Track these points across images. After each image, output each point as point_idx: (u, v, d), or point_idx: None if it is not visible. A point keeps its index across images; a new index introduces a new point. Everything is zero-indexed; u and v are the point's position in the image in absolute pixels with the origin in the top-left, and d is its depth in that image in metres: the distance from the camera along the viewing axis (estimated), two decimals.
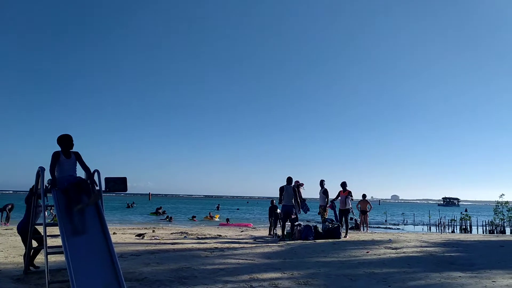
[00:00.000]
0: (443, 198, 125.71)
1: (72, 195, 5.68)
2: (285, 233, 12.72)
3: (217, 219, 31.06)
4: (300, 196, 13.39)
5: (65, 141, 6.07)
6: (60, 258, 6.87)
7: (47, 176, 5.91)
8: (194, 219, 30.95)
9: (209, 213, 34.90)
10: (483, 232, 24.75)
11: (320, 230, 12.99)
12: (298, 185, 13.58)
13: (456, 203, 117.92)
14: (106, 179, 6.48)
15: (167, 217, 31.62)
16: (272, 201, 16.42)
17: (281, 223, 12.96)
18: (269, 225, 16.12)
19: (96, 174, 6.20)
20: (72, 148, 6.14)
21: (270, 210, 16.23)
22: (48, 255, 5.51)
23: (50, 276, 5.34)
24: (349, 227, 14.53)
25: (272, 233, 15.39)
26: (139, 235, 13.25)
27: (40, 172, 6.05)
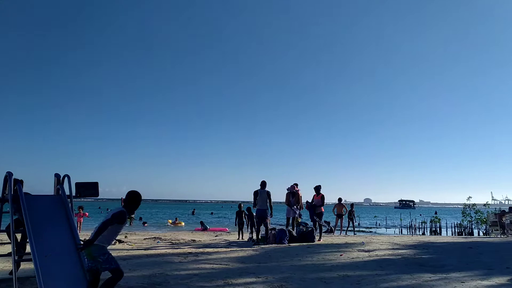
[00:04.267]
0: (399, 200, 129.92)
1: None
2: (259, 237, 12.72)
3: (181, 225, 31.11)
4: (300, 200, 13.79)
5: None
6: (29, 265, 6.67)
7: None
8: (145, 224, 30.66)
9: (176, 218, 34.85)
10: (452, 234, 25.38)
11: (294, 233, 13.04)
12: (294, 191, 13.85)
13: (412, 205, 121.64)
14: (77, 184, 6.35)
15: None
16: (239, 205, 16.66)
17: (256, 227, 12.98)
18: (237, 229, 16.36)
19: (66, 179, 6.06)
20: None
21: (237, 214, 16.44)
22: (16, 262, 5.35)
23: (18, 283, 5.18)
24: (323, 230, 14.63)
25: (241, 237, 15.53)
26: None
27: (8, 177, 5.88)
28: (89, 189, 6.57)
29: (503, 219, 18.95)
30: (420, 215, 40.97)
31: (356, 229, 29.52)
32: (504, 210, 20.19)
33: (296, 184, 14.33)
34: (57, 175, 6.24)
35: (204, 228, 25.00)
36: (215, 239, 15.22)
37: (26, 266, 7.05)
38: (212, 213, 57.50)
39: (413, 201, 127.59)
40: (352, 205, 21.75)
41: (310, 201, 14.44)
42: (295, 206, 13.80)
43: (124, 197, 5.11)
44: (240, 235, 15.91)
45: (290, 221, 13.94)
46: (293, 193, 13.86)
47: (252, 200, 12.78)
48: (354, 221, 21.35)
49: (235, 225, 16.87)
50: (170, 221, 33.74)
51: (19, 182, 5.96)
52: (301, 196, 14.02)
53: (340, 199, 20.43)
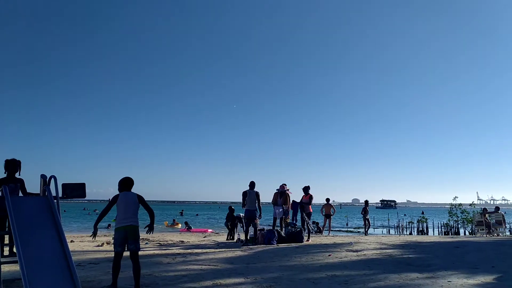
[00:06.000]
0: (380, 200, 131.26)
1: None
2: (248, 237, 12.71)
3: (178, 227, 30.43)
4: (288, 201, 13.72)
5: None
6: (15, 267, 6.59)
7: None
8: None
9: (174, 220, 33.78)
10: (438, 234, 25.63)
11: (283, 234, 13.05)
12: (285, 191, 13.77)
13: (393, 205, 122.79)
14: (64, 185, 6.29)
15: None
16: (230, 208, 16.50)
17: (245, 227, 12.96)
18: (228, 230, 16.22)
19: (52, 180, 6.00)
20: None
21: (228, 216, 16.32)
22: (2, 265, 5.28)
23: (3, 287, 5.10)
24: (311, 231, 14.64)
25: (229, 238, 15.44)
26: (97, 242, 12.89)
27: None
28: (76, 190, 6.52)
29: (487, 216, 19.20)
30: (404, 215, 41.46)
31: (344, 229, 29.80)
32: (485, 208, 20.43)
33: (285, 185, 14.33)
34: (43, 176, 6.17)
35: (188, 228, 25.71)
36: (204, 240, 15.17)
37: (12, 268, 6.96)
38: (197, 214, 57.07)
39: (394, 201, 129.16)
40: (366, 202, 21.37)
41: (297, 201, 14.45)
42: (283, 206, 13.72)
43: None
44: (229, 236, 15.86)
45: (278, 221, 13.90)
46: (281, 193, 13.83)
47: (241, 200, 12.77)
48: (369, 220, 20.92)
49: (225, 225, 16.73)
50: (166, 222, 32.26)
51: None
52: (289, 197, 13.98)
53: (328, 200, 20.46)
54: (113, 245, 6.24)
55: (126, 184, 6.27)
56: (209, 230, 24.21)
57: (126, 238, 6.07)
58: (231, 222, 16.10)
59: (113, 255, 6.46)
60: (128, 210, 6.11)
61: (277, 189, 13.95)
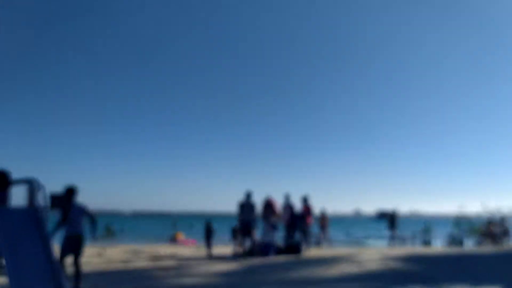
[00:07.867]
0: (378, 212, 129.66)
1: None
2: (244, 249, 12.45)
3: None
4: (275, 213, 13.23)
5: None
6: (1, 280, 6.35)
7: None
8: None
9: (177, 232, 32.68)
10: (442, 245, 25.32)
11: (281, 246, 12.79)
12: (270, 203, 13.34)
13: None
14: (51, 195, 6.13)
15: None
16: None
17: (241, 239, 12.69)
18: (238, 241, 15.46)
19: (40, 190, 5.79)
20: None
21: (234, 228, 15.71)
22: None
23: None
24: (311, 242, 14.37)
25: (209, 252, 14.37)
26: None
27: None
28: (63, 201, 6.47)
29: (491, 228, 18.99)
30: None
31: (345, 241, 29.43)
32: (491, 218, 20.20)
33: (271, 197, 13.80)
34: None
35: (174, 240, 25.90)
36: (198, 252, 14.87)
37: None
38: (192, 225, 56.72)
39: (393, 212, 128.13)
40: (393, 213, 21.08)
41: (297, 212, 14.18)
42: (274, 217, 13.31)
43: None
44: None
45: (274, 232, 13.50)
46: (268, 204, 13.31)
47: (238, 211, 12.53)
48: (396, 230, 20.56)
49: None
50: (179, 234, 29.51)
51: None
52: (276, 207, 13.46)
53: (323, 210, 20.19)
54: (60, 252, 6.39)
55: (74, 193, 6.77)
56: (195, 241, 24.48)
57: (74, 245, 6.58)
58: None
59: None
60: (78, 220, 6.67)
61: (263, 201, 13.57)
